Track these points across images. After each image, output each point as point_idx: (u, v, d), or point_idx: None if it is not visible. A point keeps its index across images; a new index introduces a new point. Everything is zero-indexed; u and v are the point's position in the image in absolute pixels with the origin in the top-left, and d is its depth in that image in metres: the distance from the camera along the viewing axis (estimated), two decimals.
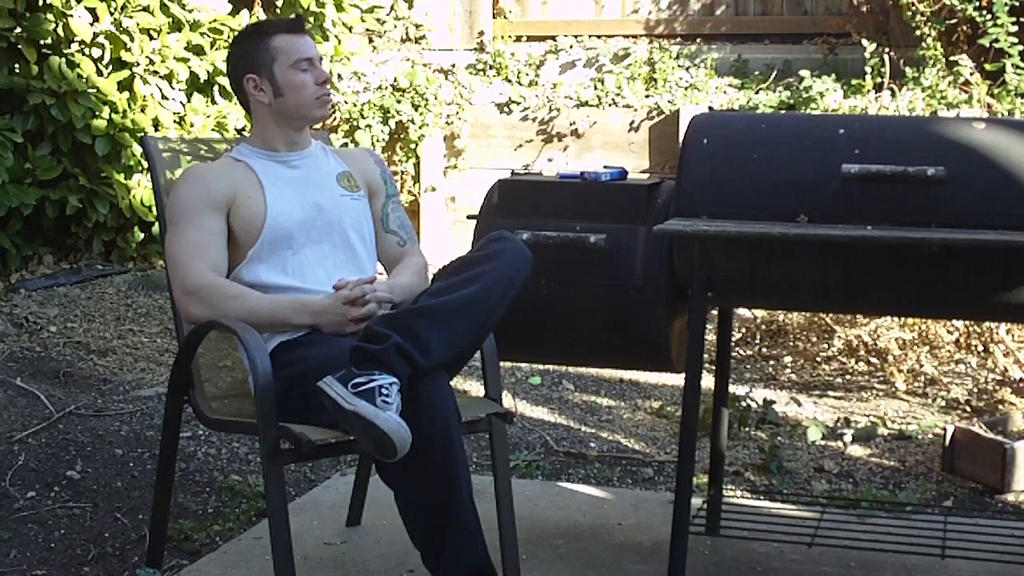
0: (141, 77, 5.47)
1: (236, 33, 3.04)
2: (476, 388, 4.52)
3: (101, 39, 5.38)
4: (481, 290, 2.60)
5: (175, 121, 5.61)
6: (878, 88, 6.47)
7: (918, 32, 6.46)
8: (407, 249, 3.07)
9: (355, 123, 6.72)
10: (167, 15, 5.64)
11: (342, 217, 2.94)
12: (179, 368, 2.89)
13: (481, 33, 7.64)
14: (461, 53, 7.56)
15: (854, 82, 6.61)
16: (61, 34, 5.28)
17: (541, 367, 4.81)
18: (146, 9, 5.50)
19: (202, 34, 5.80)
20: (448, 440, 2.51)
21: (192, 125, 5.64)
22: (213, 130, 5.66)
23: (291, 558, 2.59)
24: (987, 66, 6.21)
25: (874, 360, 4.87)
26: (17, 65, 5.25)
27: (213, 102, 5.85)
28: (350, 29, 6.62)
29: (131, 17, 5.44)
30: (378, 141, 6.73)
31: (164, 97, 5.59)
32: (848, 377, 4.85)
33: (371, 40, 7.30)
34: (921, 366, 4.75)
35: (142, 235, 5.62)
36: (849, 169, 2.68)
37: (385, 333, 2.51)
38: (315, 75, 2.93)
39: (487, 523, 2.86)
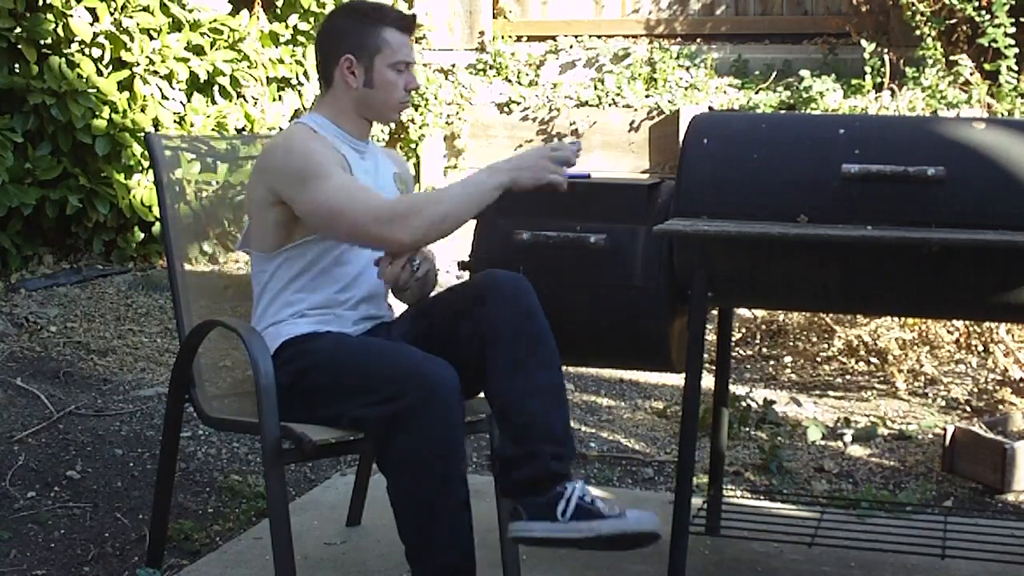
0: (141, 77, 5.47)
1: (345, 2, 2.94)
2: None
3: (101, 39, 5.38)
4: (556, 360, 2.61)
5: (175, 121, 5.61)
6: (878, 88, 6.47)
7: (918, 32, 6.46)
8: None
9: None
10: (167, 15, 5.64)
11: None
12: (179, 368, 2.89)
13: (481, 33, 7.64)
14: (461, 53, 7.56)
15: (854, 82, 6.61)
16: (61, 34, 5.28)
17: None
18: (146, 9, 5.50)
19: (202, 34, 5.81)
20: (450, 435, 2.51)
21: (192, 125, 5.64)
22: (213, 130, 5.66)
23: (291, 558, 2.59)
24: (986, 66, 6.21)
25: (874, 360, 4.88)
26: (17, 65, 5.25)
27: (213, 102, 5.85)
28: None
29: (131, 17, 5.44)
30: (378, 141, 6.74)
31: (164, 97, 5.59)
32: (848, 377, 4.85)
33: None
34: (921, 366, 4.75)
35: (142, 235, 5.62)
36: (849, 169, 2.68)
37: (525, 452, 2.50)
38: (407, 80, 2.88)
39: (487, 523, 2.86)
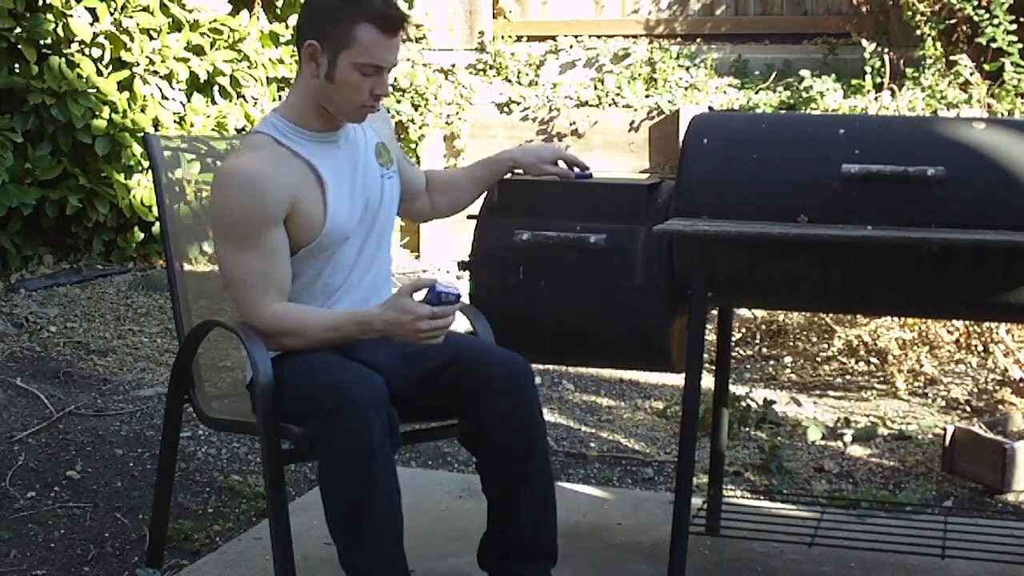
0: (141, 77, 5.47)
1: None
2: None
3: (101, 39, 5.38)
4: (547, 463, 2.70)
5: (175, 121, 5.61)
6: (878, 88, 6.47)
7: (918, 32, 6.46)
8: (429, 174, 3.09)
9: None
10: (167, 15, 5.64)
11: (384, 206, 2.80)
12: (179, 368, 2.88)
13: (481, 33, 7.64)
14: (461, 53, 7.56)
15: (854, 82, 6.61)
16: (61, 34, 5.28)
17: (541, 367, 4.81)
18: (146, 9, 5.50)
19: (202, 34, 5.81)
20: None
21: (192, 125, 5.64)
22: (213, 130, 5.66)
23: (291, 558, 2.59)
24: (986, 66, 6.21)
25: (874, 360, 4.87)
26: (17, 65, 5.25)
27: (213, 102, 5.85)
28: None
29: (131, 17, 5.44)
30: None
31: (164, 97, 5.59)
32: (848, 377, 4.85)
33: None
34: (921, 366, 4.75)
35: (142, 235, 5.62)
36: (849, 169, 2.68)
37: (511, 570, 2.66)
38: (374, 85, 2.63)
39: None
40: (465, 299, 2.78)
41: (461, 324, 2.88)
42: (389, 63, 2.63)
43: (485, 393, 2.62)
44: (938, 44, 6.37)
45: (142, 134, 5.07)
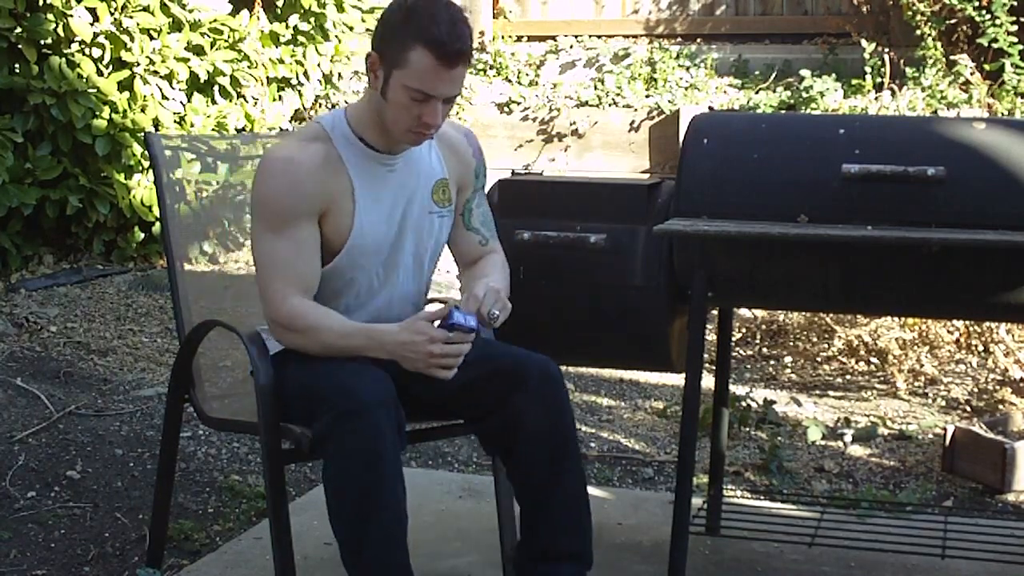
0: (141, 77, 5.47)
1: None
2: None
3: (101, 39, 5.38)
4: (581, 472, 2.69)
5: (175, 121, 5.61)
6: (878, 88, 6.47)
7: (918, 32, 6.46)
8: (489, 247, 2.82)
9: None
10: (167, 15, 5.64)
11: (423, 239, 2.71)
12: (179, 368, 2.88)
13: (481, 33, 7.64)
14: None
15: (854, 82, 6.61)
16: (61, 34, 5.28)
17: None
18: (146, 9, 5.50)
19: (202, 34, 5.80)
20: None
21: (192, 125, 5.64)
22: (213, 130, 5.66)
23: (292, 559, 2.59)
24: (987, 66, 6.21)
25: (874, 360, 4.87)
26: (17, 65, 5.25)
27: (213, 102, 5.85)
28: (351, 29, 6.62)
29: (131, 17, 5.44)
30: None
31: (164, 97, 5.59)
32: (848, 377, 4.85)
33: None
34: (921, 366, 4.75)
35: (142, 235, 5.62)
36: (849, 169, 2.68)
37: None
38: (424, 114, 2.51)
39: (489, 523, 2.86)
40: (487, 331, 2.70)
41: None
42: (441, 94, 2.50)
43: (520, 392, 2.58)
44: (938, 44, 6.38)
45: (142, 134, 5.08)
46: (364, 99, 2.65)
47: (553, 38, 7.64)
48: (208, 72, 5.76)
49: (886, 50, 6.58)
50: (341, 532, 2.49)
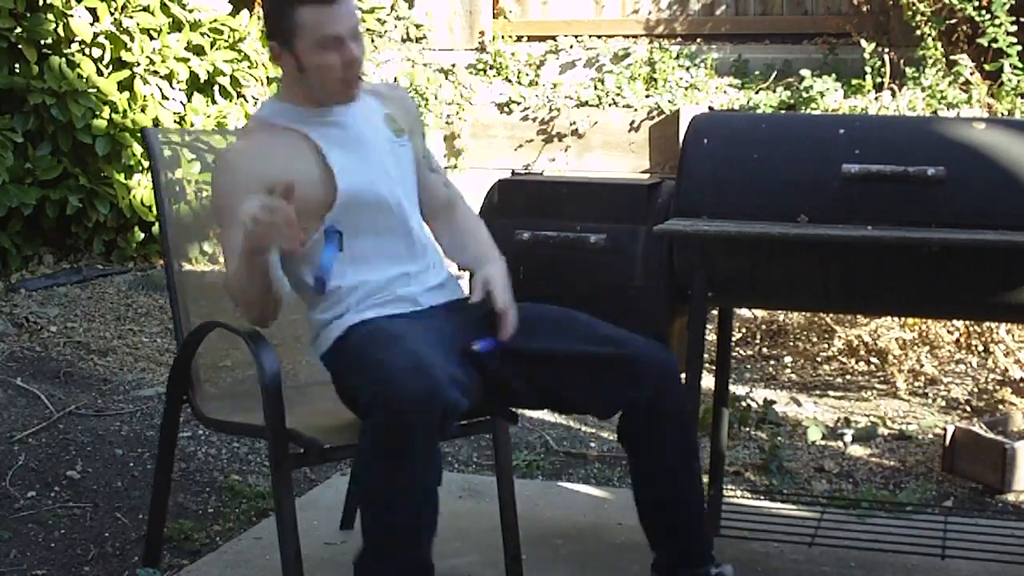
0: (141, 77, 5.48)
1: None
2: None
3: (101, 39, 5.38)
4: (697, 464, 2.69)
5: (175, 121, 5.62)
6: (878, 88, 6.47)
7: (918, 32, 6.46)
8: (451, 191, 2.87)
9: None
10: (167, 15, 5.64)
11: (403, 169, 2.73)
12: (179, 368, 2.88)
13: (481, 33, 7.64)
14: (461, 53, 7.57)
15: (854, 82, 6.61)
16: (61, 34, 5.28)
17: None
18: (146, 9, 5.51)
19: (202, 34, 5.81)
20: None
21: (192, 125, 5.64)
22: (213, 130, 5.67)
23: (299, 562, 2.57)
24: (987, 66, 6.21)
25: (874, 360, 4.87)
26: (17, 65, 5.25)
27: (213, 102, 5.85)
28: None
29: (131, 17, 5.44)
30: None
31: (164, 97, 5.59)
32: (848, 377, 4.85)
33: (372, 40, 7.31)
34: (921, 366, 4.75)
35: (142, 235, 5.62)
36: (849, 169, 2.68)
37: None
38: (342, 56, 2.56)
39: (489, 523, 2.86)
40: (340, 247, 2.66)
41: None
42: (344, 30, 2.56)
43: (645, 384, 2.58)
44: (938, 44, 6.38)
45: (142, 128, 5.08)
46: (284, 89, 2.70)
47: (553, 38, 7.63)
48: (208, 72, 5.76)
49: (886, 50, 6.58)
50: (363, 529, 2.46)
